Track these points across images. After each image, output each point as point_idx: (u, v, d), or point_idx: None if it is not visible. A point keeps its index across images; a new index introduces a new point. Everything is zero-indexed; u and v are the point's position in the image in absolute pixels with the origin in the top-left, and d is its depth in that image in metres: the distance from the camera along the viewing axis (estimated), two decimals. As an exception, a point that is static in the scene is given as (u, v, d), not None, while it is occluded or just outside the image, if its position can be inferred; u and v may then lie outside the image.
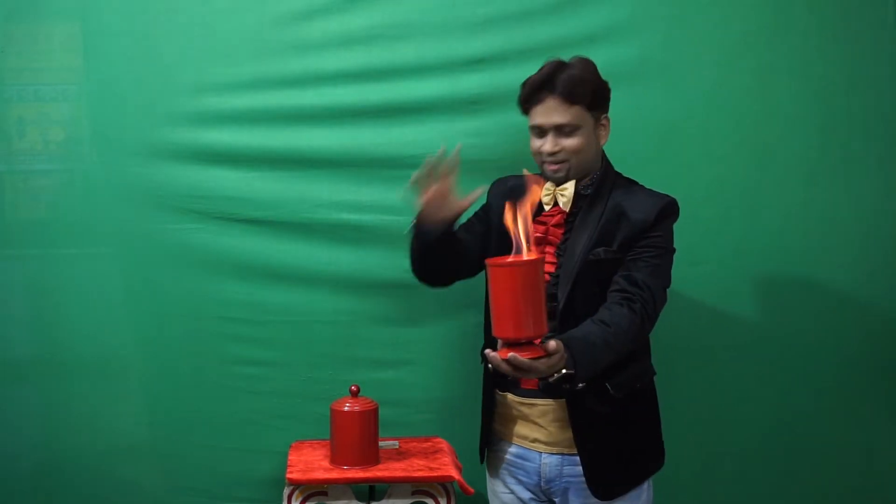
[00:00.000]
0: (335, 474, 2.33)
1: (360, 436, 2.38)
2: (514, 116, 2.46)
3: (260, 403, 2.61)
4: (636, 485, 2.22)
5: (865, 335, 2.69)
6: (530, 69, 2.49)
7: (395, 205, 2.57)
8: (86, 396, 2.60)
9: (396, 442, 2.53)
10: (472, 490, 2.34)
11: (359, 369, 2.61)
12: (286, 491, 2.35)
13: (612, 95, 2.54)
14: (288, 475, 2.34)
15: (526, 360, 1.82)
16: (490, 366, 1.90)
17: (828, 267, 2.67)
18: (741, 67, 2.61)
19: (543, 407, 2.20)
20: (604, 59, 2.55)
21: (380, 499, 2.39)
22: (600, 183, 2.19)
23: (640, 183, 2.24)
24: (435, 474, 2.34)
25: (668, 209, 2.14)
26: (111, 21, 2.53)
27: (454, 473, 2.34)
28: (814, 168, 2.64)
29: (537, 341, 1.84)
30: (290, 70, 2.54)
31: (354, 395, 2.43)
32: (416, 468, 2.36)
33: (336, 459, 2.39)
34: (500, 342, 1.86)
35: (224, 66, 2.53)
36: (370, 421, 2.40)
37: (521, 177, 2.26)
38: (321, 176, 2.57)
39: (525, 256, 1.83)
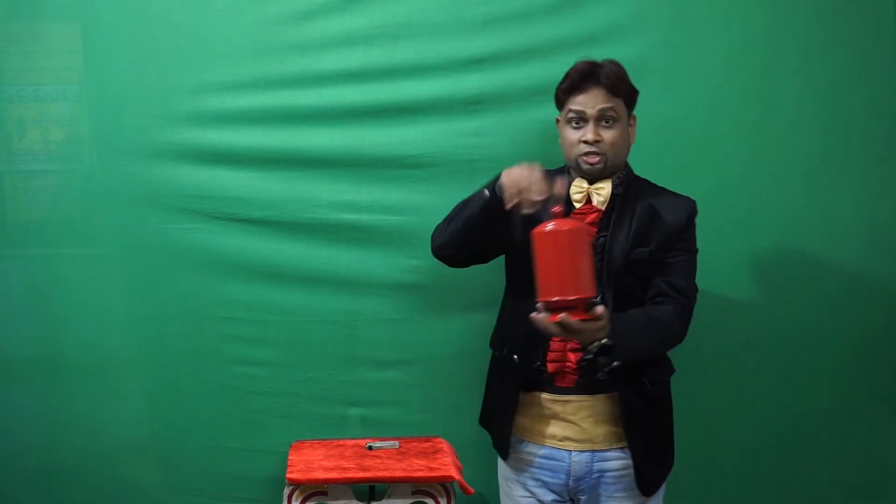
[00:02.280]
0: (335, 474, 2.33)
1: (571, 261, 1.97)
2: (514, 116, 2.47)
3: (260, 403, 2.61)
4: (664, 480, 2.27)
5: (866, 334, 2.69)
6: (530, 69, 2.50)
7: (395, 205, 2.57)
8: (86, 396, 2.61)
9: (396, 442, 2.53)
10: (472, 490, 2.34)
11: (359, 369, 2.62)
12: (286, 491, 2.35)
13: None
14: (288, 475, 2.34)
15: (576, 321, 1.92)
16: (515, 359, 2.05)
17: (828, 267, 2.66)
18: (742, 67, 2.61)
19: (578, 403, 2.21)
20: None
21: (380, 499, 2.39)
22: (628, 183, 2.23)
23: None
24: (435, 474, 2.34)
25: (694, 212, 2.24)
26: (111, 21, 2.53)
27: (454, 473, 2.34)
28: (814, 168, 2.64)
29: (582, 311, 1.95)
30: (290, 70, 2.54)
31: (556, 215, 2.02)
32: (416, 468, 2.36)
33: (548, 292, 1.96)
34: (541, 306, 1.96)
35: (224, 66, 2.53)
36: (582, 242, 1.99)
37: (549, 171, 2.19)
38: (321, 176, 2.57)
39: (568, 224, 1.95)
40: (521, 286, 2.24)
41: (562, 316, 1.93)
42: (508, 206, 2.05)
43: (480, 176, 2.44)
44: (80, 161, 2.57)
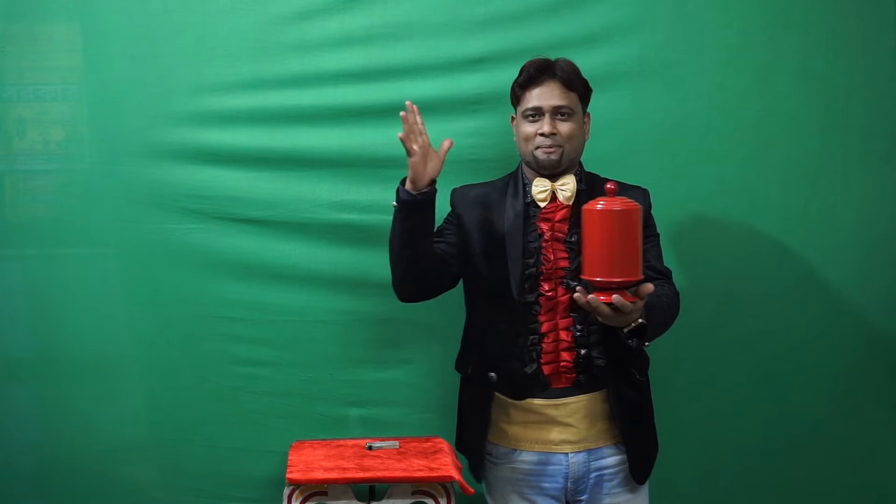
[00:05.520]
0: (335, 474, 2.33)
1: (626, 241, 1.98)
2: (514, 116, 2.46)
3: (260, 403, 2.61)
4: (653, 465, 2.30)
5: (865, 335, 2.69)
6: (530, 69, 2.49)
7: (395, 205, 2.57)
8: (86, 396, 2.60)
9: (396, 442, 2.53)
10: (472, 490, 2.34)
11: (359, 369, 2.62)
12: (286, 491, 2.35)
13: (613, 95, 2.56)
14: (288, 475, 2.34)
15: (629, 303, 1.96)
16: (492, 377, 2.08)
17: (828, 267, 2.67)
18: (741, 67, 2.61)
19: (574, 405, 2.23)
20: (604, 59, 2.56)
21: (380, 499, 2.39)
22: (588, 179, 2.27)
23: (641, 188, 2.32)
24: (435, 474, 2.34)
25: (649, 200, 2.30)
26: (111, 21, 2.53)
27: (454, 473, 2.34)
28: (814, 168, 2.64)
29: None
30: (290, 70, 2.54)
31: (612, 192, 2.02)
32: (416, 468, 2.36)
33: (602, 271, 1.99)
34: (582, 291, 1.99)
35: (224, 66, 2.53)
36: (636, 222, 1.99)
37: (480, 185, 2.32)
38: (321, 176, 2.57)
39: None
40: (487, 302, 2.27)
41: (616, 297, 1.96)
42: (415, 146, 2.13)
43: (481, 176, 2.44)
44: (80, 161, 2.57)
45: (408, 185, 2.16)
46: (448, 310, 2.57)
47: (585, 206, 2.01)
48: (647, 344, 2.11)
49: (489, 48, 2.55)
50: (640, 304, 2.00)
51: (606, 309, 1.97)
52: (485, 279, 2.26)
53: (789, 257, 2.66)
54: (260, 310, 2.59)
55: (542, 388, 2.23)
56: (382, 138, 2.55)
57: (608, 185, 2.01)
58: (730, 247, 2.65)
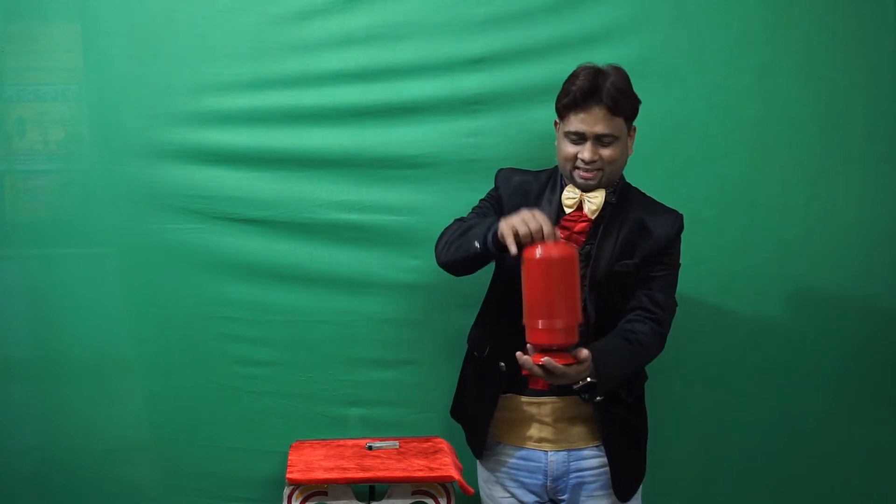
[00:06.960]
0: (335, 474, 2.33)
1: (559, 287, 1.95)
2: (514, 116, 2.48)
3: (260, 403, 2.61)
4: (639, 485, 2.27)
5: (866, 335, 2.69)
6: (530, 69, 2.50)
7: (395, 205, 2.57)
8: (86, 396, 2.60)
9: (396, 442, 2.53)
10: (472, 490, 2.35)
11: (359, 369, 2.62)
12: (286, 491, 2.35)
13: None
14: (288, 475, 2.34)
15: (560, 365, 1.94)
16: (502, 366, 2.06)
17: (828, 267, 2.67)
18: (741, 67, 2.61)
19: (552, 406, 2.22)
20: (604, 60, 2.54)
21: (380, 499, 2.39)
22: (622, 193, 2.22)
23: (640, 188, 2.29)
24: (435, 474, 2.34)
25: (681, 227, 2.23)
26: (111, 21, 2.53)
27: (454, 473, 2.34)
28: (814, 168, 2.64)
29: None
30: (290, 70, 2.54)
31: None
32: (416, 468, 2.36)
33: (532, 316, 1.97)
34: (530, 347, 1.97)
35: (224, 66, 2.53)
36: (572, 269, 1.96)
37: (526, 172, 2.28)
38: (321, 176, 2.57)
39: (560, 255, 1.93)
40: (506, 288, 2.24)
41: (545, 360, 1.94)
42: (513, 251, 1.96)
43: (480, 176, 2.44)
44: (80, 161, 2.57)
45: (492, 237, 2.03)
46: (448, 310, 2.58)
47: (525, 254, 1.95)
48: (598, 398, 2.11)
49: (489, 48, 2.55)
50: (580, 366, 1.96)
51: (539, 370, 1.95)
52: (508, 265, 2.22)
53: (789, 257, 2.66)
54: (260, 310, 2.59)
55: (524, 385, 2.23)
56: (382, 138, 2.55)
57: None
58: (730, 247, 2.65)
